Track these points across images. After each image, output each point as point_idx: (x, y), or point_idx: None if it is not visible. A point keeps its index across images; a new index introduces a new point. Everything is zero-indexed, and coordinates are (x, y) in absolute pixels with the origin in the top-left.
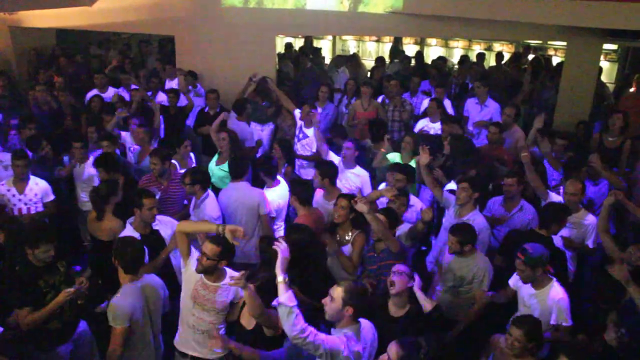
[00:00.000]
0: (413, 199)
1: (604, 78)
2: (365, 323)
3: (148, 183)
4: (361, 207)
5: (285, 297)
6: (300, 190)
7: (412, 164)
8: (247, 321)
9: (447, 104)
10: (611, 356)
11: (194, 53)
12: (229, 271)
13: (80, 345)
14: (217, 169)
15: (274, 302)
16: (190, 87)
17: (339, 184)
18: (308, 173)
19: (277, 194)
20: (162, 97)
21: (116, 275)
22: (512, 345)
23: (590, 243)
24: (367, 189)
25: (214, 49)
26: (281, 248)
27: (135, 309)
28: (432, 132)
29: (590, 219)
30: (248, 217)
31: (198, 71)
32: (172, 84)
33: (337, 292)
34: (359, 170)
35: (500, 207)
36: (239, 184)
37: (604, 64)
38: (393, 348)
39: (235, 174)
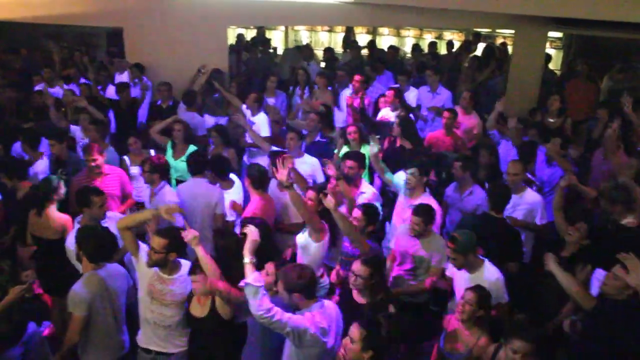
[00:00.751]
0: (365, 186)
1: (550, 65)
2: (328, 303)
3: (83, 179)
4: (328, 203)
5: (252, 277)
6: (255, 174)
7: (364, 150)
8: (200, 310)
9: (413, 92)
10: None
11: (144, 45)
12: (184, 262)
13: (31, 347)
14: (179, 163)
15: (241, 283)
16: (136, 80)
17: None
18: (258, 162)
19: (233, 197)
20: (112, 91)
21: (63, 274)
22: (463, 309)
23: (537, 220)
24: (320, 177)
25: (165, 41)
26: (251, 231)
27: (95, 297)
28: (392, 119)
29: (535, 197)
30: (205, 214)
31: (148, 64)
32: (122, 77)
33: (280, 285)
34: (307, 158)
35: (455, 192)
36: (198, 180)
37: (550, 51)
38: (354, 329)
39: (195, 170)
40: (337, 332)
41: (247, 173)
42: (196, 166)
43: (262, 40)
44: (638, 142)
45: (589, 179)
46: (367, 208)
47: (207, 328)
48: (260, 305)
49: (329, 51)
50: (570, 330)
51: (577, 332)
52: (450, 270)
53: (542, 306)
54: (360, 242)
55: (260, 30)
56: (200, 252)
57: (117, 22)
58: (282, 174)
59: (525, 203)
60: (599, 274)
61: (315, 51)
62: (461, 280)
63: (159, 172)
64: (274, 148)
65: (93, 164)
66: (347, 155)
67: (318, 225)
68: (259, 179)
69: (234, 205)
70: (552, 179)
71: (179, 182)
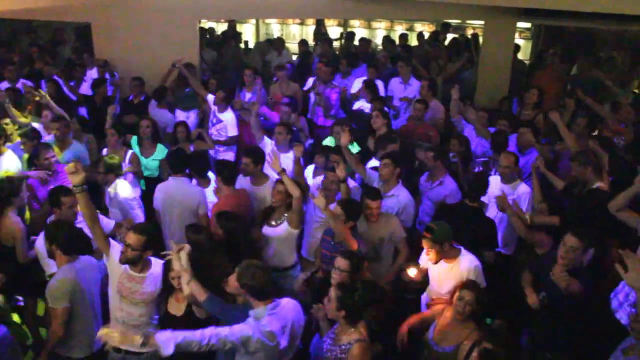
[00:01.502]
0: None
1: (519, 55)
2: (285, 302)
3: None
4: (319, 202)
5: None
6: (224, 170)
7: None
8: (177, 308)
9: (379, 84)
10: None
11: (113, 41)
12: (154, 260)
13: (3, 350)
14: (149, 161)
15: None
16: (107, 76)
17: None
18: (225, 158)
19: (210, 194)
20: (85, 87)
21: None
22: (463, 309)
23: (524, 209)
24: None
25: (134, 36)
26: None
27: (74, 288)
28: (367, 111)
29: (523, 187)
30: (185, 215)
31: (118, 59)
32: (92, 73)
33: (231, 279)
34: (292, 153)
35: (426, 182)
36: (178, 180)
37: (519, 41)
38: (332, 291)
39: (175, 168)
40: (296, 331)
41: (216, 170)
42: (177, 165)
43: (233, 35)
44: (612, 135)
45: (558, 166)
46: (347, 203)
47: (183, 327)
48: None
49: (303, 44)
50: (537, 305)
51: (543, 307)
52: (426, 261)
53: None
54: (350, 242)
55: (231, 24)
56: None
57: (83, 17)
58: (319, 203)
59: (517, 195)
60: None
61: (287, 44)
62: (439, 269)
63: (113, 172)
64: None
65: (46, 162)
66: (329, 150)
67: (350, 240)
68: (228, 174)
69: None
70: (526, 167)
71: (148, 180)
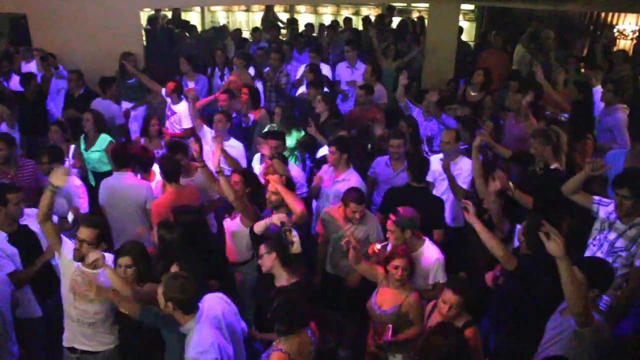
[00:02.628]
0: (291, 167)
1: (464, 37)
2: (207, 300)
3: None
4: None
5: None
6: (166, 166)
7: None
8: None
9: (326, 68)
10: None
11: (51, 32)
12: (107, 255)
13: None
14: (89, 154)
15: None
16: (52, 69)
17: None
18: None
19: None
20: (16, 82)
21: None
22: (401, 276)
23: (464, 185)
24: (244, 162)
25: (73, 26)
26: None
27: None
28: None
29: (468, 163)
30: (132, 211)
31: (57, 51)
32: (29, 66)
33: (159, 289)
34: (233, 142)
35: (386, 167)
36: (123, 175)
37: (464, 23)
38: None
39: (119, 163)
40: (230, 320)
41: (160, 165)
42: (121, 159)
43: (182, 23)
44: (546, 107)
45: (501, 143)
46: (245, 172)
47: (135, 324)
48: None
49: (257, 31)
50: (492, 285)
51: (498, 287)
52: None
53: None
54: (294, 202)
55: (176, 12)
56: (109, 272)
57: (18, 7)
58: (214, 160)
59: (459, 169)
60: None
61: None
62: None
63: (58, 161)
64: None
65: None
66: (269, 135)
67: (248, 211)
68: (170, 170)
69: None
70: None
71: (94, 174)
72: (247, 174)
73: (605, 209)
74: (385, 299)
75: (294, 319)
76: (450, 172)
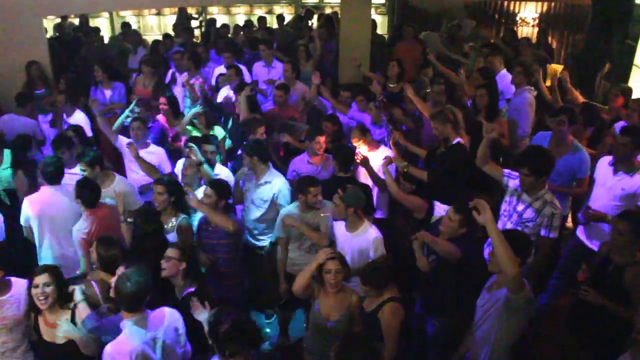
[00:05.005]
0: (219, 168)
1: (378, 30)
2: (156, 313)
3: None
4: (193, 201)
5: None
6: (85, 191)
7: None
8: (50, 334)
9: (243, 69)
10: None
11: None
12: (15, 280)
13: None
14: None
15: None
16: None
17: (133, 166)
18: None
19: None
20: None
21: None
22: (335, 280)
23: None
24: (167, 167)
25: None
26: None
27: None
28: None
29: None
30: (69, 225)
31: None
32: None
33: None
34: (153, 148)
35: (308, 165)
36: (55, 188)
37: (377, 17)
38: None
39: (51, 178)
40: (171, 337)
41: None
42: (53, 174)
43: (89, 29)
44: (463, 97)
45: (422, 133)
46: (215, 184)
47: (65, 357)
48: None
49: (168, 38)
50: (428, 267)
51: (433, 268)
52: (336, 229)
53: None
54: (228, 223)
55: (83, 19)
56: None
57: None
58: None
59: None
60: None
61: (146, 36)
62: (344, 238)
63: None
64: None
65: None
66: (192, 140)
67: (226, 221)
68: (90, 197)
69: None
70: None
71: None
72: (170, 181)
73: (514, 181)
74: (330, 309)
75: None
76: (370, 167)
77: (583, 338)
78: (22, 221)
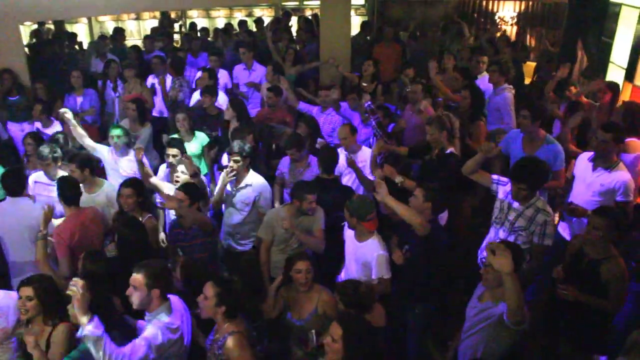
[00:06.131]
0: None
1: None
2: (173, 298)
3: None
4: (169, 204)
5: (89, 326)
6: (65, 188)
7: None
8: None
9: (223, 74)
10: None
11: None
12: (4, 293)
13: None
14: None
15: (78, 334)
16: None
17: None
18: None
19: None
20: None
21: None
22: (305, 279)
23: (370, 176)
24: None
25: None
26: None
27: None
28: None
29: (365, 153)
30: (30, 237)
31: None
32: None
33: (138, 279)
34: (132, 155)
35: (293, 167)
36: (18, 200)
37: (357, 18)
38: (208, 287)
39: (13, 190)
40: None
41: (59, 188)
42: (15, 185)
43: (67, 35)
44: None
45: (404, 131)
46: (187, 186)
47: None
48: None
49: (148, 38)
50: (403, 260)
51: (408, 260)
52: (345, 233)
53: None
54: (203, 223)
55: (59, 25)
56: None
57: None
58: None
59: (363, 161)
60: None
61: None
62: (352, 246)
63: None
64: None
65: None
66: (169, 143)
67: (201, 219)
68: (69, 193)
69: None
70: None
71: None
72: (136, 182)
73: (503, 188)
74: (299, 308)
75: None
76: (357, 166)
77: (560, 333)
78: None
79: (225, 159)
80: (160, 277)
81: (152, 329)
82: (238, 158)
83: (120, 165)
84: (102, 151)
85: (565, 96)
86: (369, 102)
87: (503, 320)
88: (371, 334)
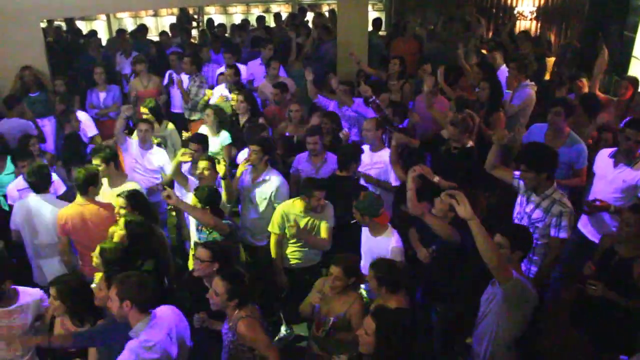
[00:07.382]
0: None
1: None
2: (161, 311)
3: None
4: (171, 199)
5: None
6: (34, 178)
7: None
8: None
9: (243, 68)
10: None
11: None
12: (23, 289)
13: None
14: (2, 177)
15: None
16: None
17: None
18: None
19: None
20: None
21: None
22: (333, 284)
23: (392, 181)
24: (168, 168)
25: None
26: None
27: None
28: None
29: (384, 154)
30: (54, 234)
31: None
32: None
33: (112, 291)
34: (156, 149)
35: (307, 163)
36: (42, 197)
37: (374, 14)
38: (218, 283)
39: (38, 187)
40: (181, 332)
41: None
42: (40, 182)
43: (79, 32)
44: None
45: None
46: (198, 191)
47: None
48: None
49: (164, 35)
50: (429, 259)
51: (434, 259)
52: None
53: None
54: (219, 228)
55: (69, 22)
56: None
57: None
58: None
59: (382, 162)
60: None
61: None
62: (367, 240)
63: None
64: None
65: None
66: (191, 138)
67: (218, 225)
68: (83, 182)
69: None
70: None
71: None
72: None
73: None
74: (329, 305)
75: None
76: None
77: (586, 332)
78: (11, 225)
79: (240, 157)
80: (130, 289)
81: (125, 355)
82: (257, 148)
83: (147, 159)
84: (130, 145)
85: (576, 86)
86: (373, 97)
87: (504, 293)
88: (404, 331)
